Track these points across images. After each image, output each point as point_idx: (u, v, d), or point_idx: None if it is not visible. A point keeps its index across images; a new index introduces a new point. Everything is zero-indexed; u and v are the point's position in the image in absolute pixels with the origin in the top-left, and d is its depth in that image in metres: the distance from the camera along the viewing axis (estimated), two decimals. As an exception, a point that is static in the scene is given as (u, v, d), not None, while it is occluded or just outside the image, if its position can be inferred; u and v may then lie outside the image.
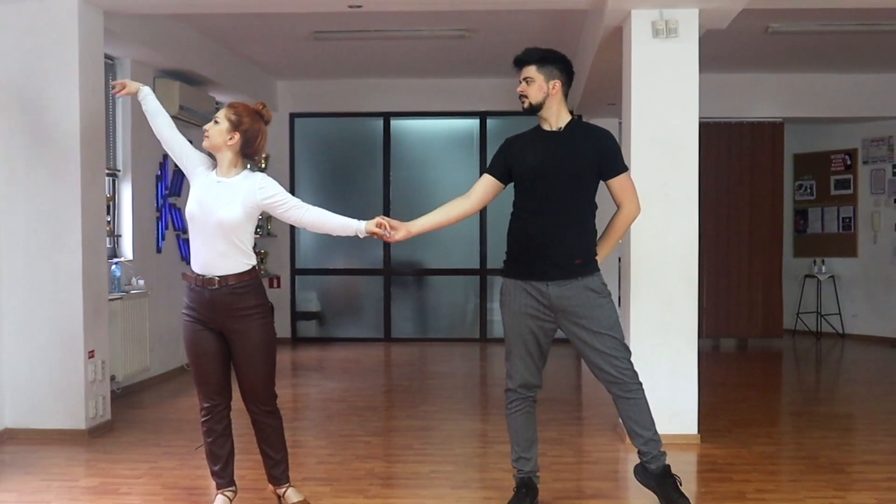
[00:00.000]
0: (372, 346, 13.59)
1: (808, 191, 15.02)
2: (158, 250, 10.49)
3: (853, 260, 14.45)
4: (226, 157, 5.33)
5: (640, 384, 5.49)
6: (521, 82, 5.52)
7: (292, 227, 13.90)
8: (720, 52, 10.76)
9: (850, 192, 14.47)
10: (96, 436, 7.64)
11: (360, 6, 7.74)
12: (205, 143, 5.41)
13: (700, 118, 7.50)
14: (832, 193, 14.68)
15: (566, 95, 5.54)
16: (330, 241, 14.23)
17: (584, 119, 13.51)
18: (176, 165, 10.66)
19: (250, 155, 5.38)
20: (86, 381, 7.61)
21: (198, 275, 5.28)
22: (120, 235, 9.81)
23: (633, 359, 7.44)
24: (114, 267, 9.22)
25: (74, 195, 7.53)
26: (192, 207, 5.28)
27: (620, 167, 5.50)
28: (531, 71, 5.48)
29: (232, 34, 10.68)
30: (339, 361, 12.12)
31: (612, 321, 5.38)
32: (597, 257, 5.49)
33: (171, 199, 10.76)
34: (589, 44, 9.50)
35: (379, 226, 5.35)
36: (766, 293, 13.68)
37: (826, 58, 11.98)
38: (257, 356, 5.35)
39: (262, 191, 5.25)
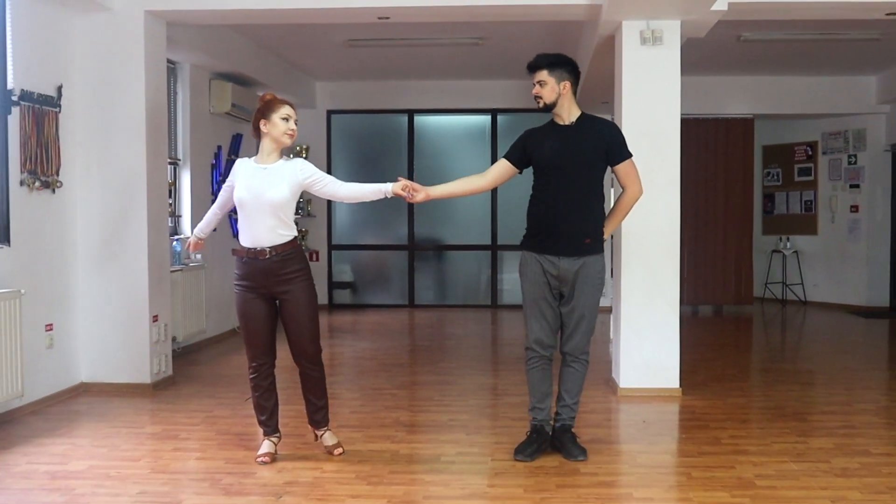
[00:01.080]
0: (398, 312, 13.58)
1: (775, 177, 14.95)
2: (213, 229, 10.44)
3: (814, 237, 14.41)
4: (266, 144, 5.39)
5: (587, 361, 5.61)
6: (534, 85, 5.46)
7: (329, 209, 13.92)
8: (699, 57, 10.70)
9: (811, 178, 14.40)
10: (159, 389, 7.65)
11: (388, 18, 7.74)
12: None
13: (681, 115, 7.48)
14: (796, 180, 14.62)
15: (575, 93, 5.52)
16: (361, 220, 14.24)
17: (581, 115, 13.48)
18: (229, 155, 10.74)
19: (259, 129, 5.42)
20: (150, 342, 7.61)
21: (249, 248, 5.31)
22: (180, 215, 9.80)
23: (623, 322, 7.48)
24: (175, 243, 9.21)
25: (141, 180, 7.52)
26: (242, 194, 5.30)
27: (625, 154, 5.48)
28: (543, 75, 5.43)
29: (277, 42, 10.65)
30: (370, 325, 12.11)
31: (594, 303, 5.51)
32: (604, 233, 5.52)
33: (224, 185, 10.71)
34: (585, 50, 9.45)
35: (403, 188, 5.38)
36: (738, 266, 13.63)
37: (790, 62, 11.90)
38: (304, 313, 5.40)
39: (302, 172, 5.34)
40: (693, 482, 5.03)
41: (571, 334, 5.49)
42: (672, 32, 7.34)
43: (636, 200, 5.59)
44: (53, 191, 7.15)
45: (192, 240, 6.00)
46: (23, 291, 6.48)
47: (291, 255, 5.34)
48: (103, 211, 7.54)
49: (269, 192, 5.22)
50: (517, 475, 5.17)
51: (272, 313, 5.46)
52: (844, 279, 13.98)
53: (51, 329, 7.14)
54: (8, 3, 6.63)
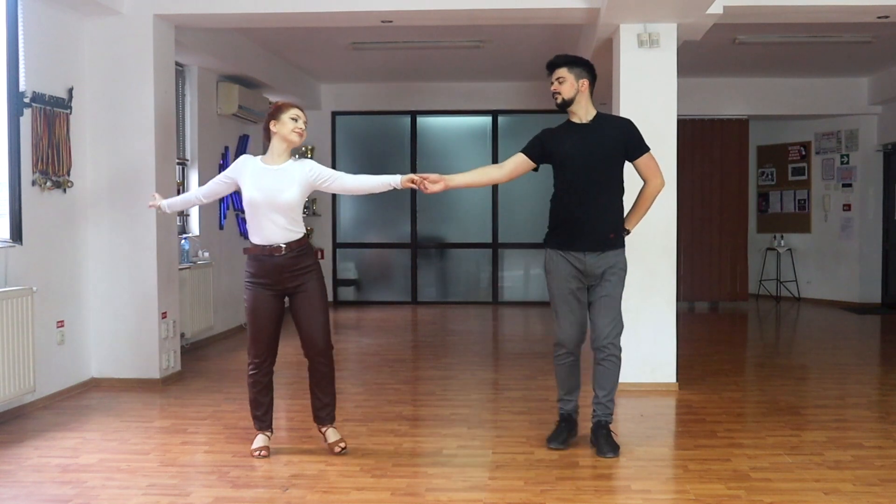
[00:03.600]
0: (401, 308, 13.57)
1: (770, 177, 14.92)
2: (221, 227, 10.47)
3: (807, 235, 14.39)
4: (276, 145, 5.38)
5: (618, 357, 5.52)
6: (553, 82, 5.47)
7: (334, 208, 13.92)
8: (695, 59, 10.70)
9: (804, 178, 14.38)
10: (168, 384, 7.65)
11: (391, 21, 7.74)
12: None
13: (678, 116, 7.48)
14: (790, 179, 14.59)
15: (592, 93, 5.53)
16: (366, 219, 14.23)
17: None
18: (236, 156, 10.72)
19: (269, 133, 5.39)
20: (159, 338, 7.61)
21: (263, 246, 5.31)
22: (188, 214, 9.79)
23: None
24: (183, 241, 9.21)
25: (150, 180, 7.51)
26: (253, 194, 5.27)
27: (644, 148, 5.48)
28: (563, 72, 5.45)
29: (283, 44, 10.64)
30: (374, 321, 12.11)
31: (618, 296, 5.48)
32: (628, 226, 5.56)
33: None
34: (584, 52, 9.41)
35: (414, 181, 5.37)
36: (733, 263, 13.63)
37: (784, 64, 11.89)
38: (316, 306, 5.42)
39: (311, 171, 5.33)
40: (689, 475, 5.03)
41: (601, 328, 5.43)
42: (668, 35, 7.34)
43: (658, 192, 5.57)
44: (64, 190, 7.15)
45: (157, 202, 5.85)
46: (35, 289, 6.48)
47: (303, 250, 5.37)
48: (113, 210, 7.54)
49: (283, 194, 5.23)
50: (518, 468, 5.17)
51: (281, 311, 5.48)
52: (837, 276, 13.97)
53: (62, 325, 7.14)
54: (20, 6, 6.63)
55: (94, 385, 7.55)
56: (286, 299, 5.48)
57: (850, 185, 13.73)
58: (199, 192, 5.83)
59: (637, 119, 7.29)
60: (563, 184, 5.50)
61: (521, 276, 14.23)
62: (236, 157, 10.75)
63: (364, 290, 14.38)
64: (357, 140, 14.12)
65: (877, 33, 9.64)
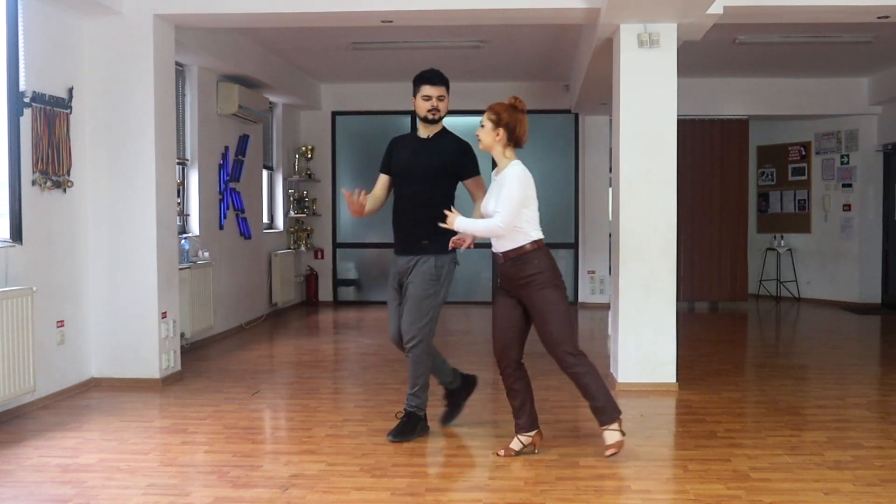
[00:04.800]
0: (401, 308, 13.54)
1: (770, 177, 14.93)
2: (221, 227, 10.46)
3: (807, 235, 14.39)
4: (497, 152, 5.41)
5: (422, 349, 5.77)
6: (433, 98, 5.82)
7: (334, 207, 13.94)
8: (695, 59, 10.70)
9: (804, 178, 14.39)
10: (168, 384, 7.65)
11: (391, 21, 7.74)
12: (480, 147, 5.50)
13: (678, 116, 7.45)
14: (790, 179, 14.60)
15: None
16: (366, 219, 14.07)
17: (579, 116, 13.50)
18: (236, 156, 10.73)
19: (517, 141, 5.39)
20: (159, 338, 7.61)
21: (496, 253, 5.37)
22: (188, 214, 9.79)
23: (621, 319, 7.47)
24: (183, 241, 9.20)
25: (150, 180, 7.52)
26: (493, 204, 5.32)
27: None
28: (445, 91, 5.92)
29: (283, 44, 10.64)
30: (374, 321, 12.11)
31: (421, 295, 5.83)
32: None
33: (231, 185, 10.72)
34: (584, 52, 9.44)
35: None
36: (733, 263, 13.61)
37: (785, 64, 11.89)
38: (548, 316, 5.29)
39: (505, 180, 5.32)
40: (689, 475, 5.03)
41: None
42: (669, 35, 7.34)
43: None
44: (64, 190, 7.15)
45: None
46: (35, 289, 6.48)
47: (521, 259, 5.32)
48: (113, 210, 7.54)
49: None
50: (517, 468, 5.17)
51: (518, 314, 5.44)
52: (837, 276, 13.97)
53: (62, 325, 7.14)
54: (20, 7, 6.63)
55: (93, 385, 7.55)
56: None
57: (850, 186, 13.73)
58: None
59: (637, 119, 7.37)
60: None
61: (521, 276, 14.19)
62: (236, 156, 10.80)
63: (364, 290, 14.38)
64: (357, 140, 14.12)
65: (877, 33, 9.64)
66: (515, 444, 5.44)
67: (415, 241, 5.76)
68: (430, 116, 5.80)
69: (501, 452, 5.40)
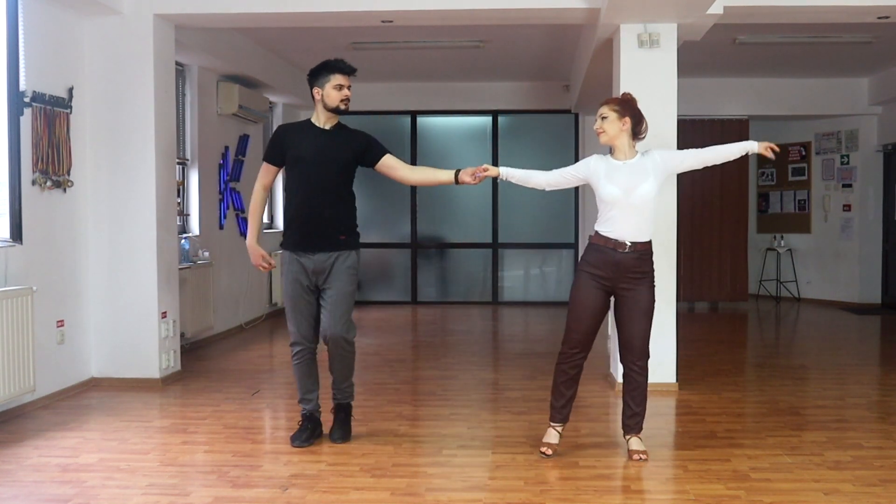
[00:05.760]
0: (401, 308, 13.58)
1: (770, 177, 14.93)
2: (221, 227, 10.47)
3: (807, 235, 14.39)
4: (623, 142, 5.40)
5: (351, 345, 5.76)
6: (346, 88, 5.63)
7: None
8: (695, 59, 10.70)
9: (804, 178, 14.39)
10: (168, 383, 7.65)
11: (391, 21, 7.73)
12: (603, 140, 5.47)
13: (678, 116, 7.47)
14: (790, 179, 14.60)
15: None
16: (366, 219, 14.11)
17: (579, 116, 13.50)
18: (236, 156, 10.74)
19: (638, 133, 5.46)
20: (159, 338, 7.61)
21: (616, 241, 5.29)
22: (188, 214, 9.79)
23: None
24: (183, 241, 9.21)
25: (150, 180, 7.52)
26: (613, 191, 5.28)
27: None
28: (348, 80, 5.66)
29: (283, 44, 10.64)
30: (374, 321, 12.11)
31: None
32: None
33: (231, 184, 10.73)
34: (585, 52, 9.45)
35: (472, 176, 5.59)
36: (733, 263, 13.62)
37: (784, 64, 11.89)
38: (649, 313, 5.37)
39: (662, 160, 5.46)
40: (689, 475, 5.03)
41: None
42: (669, 35, 7.34)
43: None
44: (65, 190, 7.15)
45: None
46: (35, 288, 6.48)
47: (648, 252, 5.35)
48: (113, 210, 7.54)
49: (640, 188, 5.29)
50: (518, 468, 5.17)
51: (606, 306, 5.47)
52: (837, 276, 13.97)
53: (62, 325, 7.14)
54: (20, 6, 6.63)
55: (93, 385, 7.55)
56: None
57: (850, 186, 13.73)
58: (545, 176, 5.79)
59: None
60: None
61: (521, 276, 14.23)
62: (236, 156, 10.80)
63: (364, 290, 14.36)
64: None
65: (877, 33, 9.64)
66: (554, 437, 5.49)
67: (332, 237, 5.61)
68: (342, 107, 5.60)
69: (549, 451, 5.41)
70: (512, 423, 6.15)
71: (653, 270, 5.38)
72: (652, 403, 6.88)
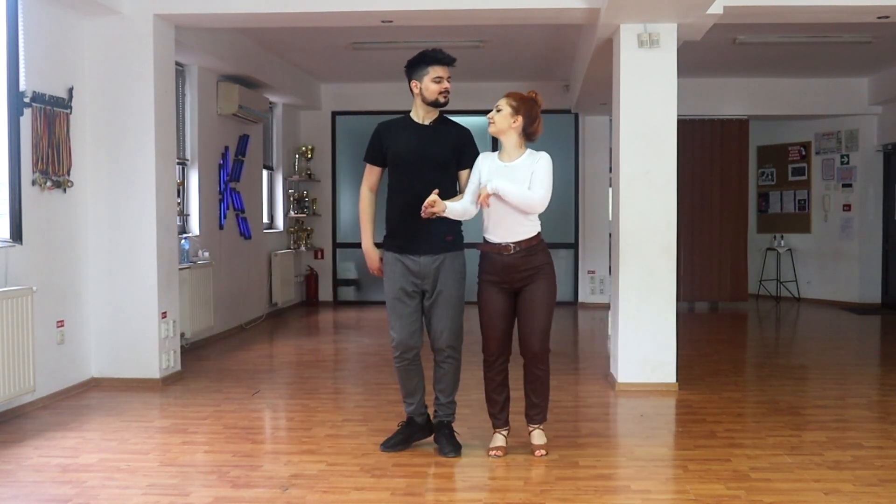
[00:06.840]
0: (401, 308, 13.54)
1: (770, 177, 14.93)
2: (221, 227, 10.46)
3: (807, 235, 14.39)
4: (511, 140, 5.32)
5: (457, 358, 5.78)
6: (444, 81, 5.40)
7: (334, 208, 13.94)
8: (695, 59, 10.70)
9: (804, 178, 14.39)
10: (168, 384, 7.65)
11: (391, 21, 7.73)
12: (490, 130, 5.40)
13: (678, 116, 7.45)
14: (790, 179, 14.60)
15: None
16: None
17: (579, 116, 13.50)
18: (236, 156, 10.73)
19: (531, 135, 5.34)
20: (159, 338, 7.61)
21: (495, 243, 5.38)
22: (188, 214, 9.79)
23: (621, 319, 7.46)
24: (183, 241, 9.21)
25: (150, 180, 7.52)
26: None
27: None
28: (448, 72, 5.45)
29: (283, 44, 10.65)
30: (373, 321, 12.11)
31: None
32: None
33: (231, 185, 10.72)
34: (584, 52, 9.44)
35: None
36: (733, 263, 13.62)
37: (784, 64, 11.89)
38: (546, 307, 5.41)
39: (538, 163, 5.25)
40: (689, 475, 5.03)
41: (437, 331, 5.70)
42: (669, 36, 7.34)
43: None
44: (65, 190, 7.15)
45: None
46: (35, 288, 6.48)
47: (537, 248, 5.33)
48: (113, 210, 7.54)
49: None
50: (518, 468, 5.18)
51: (511, 308, 5.51)
52: (837, 276, 13.98)
53: (62, 325, 7.14)
54: (20, 6, 6.63)
55: (93, 385, 7.55)
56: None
57: (850, 186, 13.73)
58: (463, 202, 5.52)
59: (638, 119, 7.36)
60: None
61: (521, 276, 14.19)
62: (236, 156, 10.80)
63: (364, 290, 14.36)
64: (357, 140, 14.08)
65: (877, 33, 9.64)
66: (501, 441, 5.53)
67: (439, 239, 5.50)
68: (441, 100, 5.40)
69: (499, 453, 5.42)
70: (512, 424, 6.13)
71: (548, 263, 5.34)
72: (652, 403, 6.91)
